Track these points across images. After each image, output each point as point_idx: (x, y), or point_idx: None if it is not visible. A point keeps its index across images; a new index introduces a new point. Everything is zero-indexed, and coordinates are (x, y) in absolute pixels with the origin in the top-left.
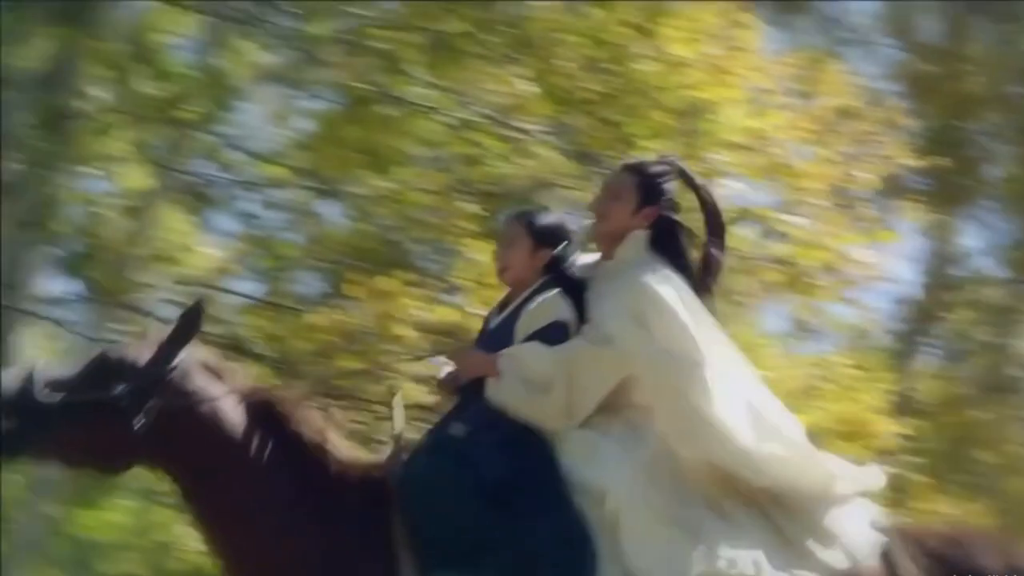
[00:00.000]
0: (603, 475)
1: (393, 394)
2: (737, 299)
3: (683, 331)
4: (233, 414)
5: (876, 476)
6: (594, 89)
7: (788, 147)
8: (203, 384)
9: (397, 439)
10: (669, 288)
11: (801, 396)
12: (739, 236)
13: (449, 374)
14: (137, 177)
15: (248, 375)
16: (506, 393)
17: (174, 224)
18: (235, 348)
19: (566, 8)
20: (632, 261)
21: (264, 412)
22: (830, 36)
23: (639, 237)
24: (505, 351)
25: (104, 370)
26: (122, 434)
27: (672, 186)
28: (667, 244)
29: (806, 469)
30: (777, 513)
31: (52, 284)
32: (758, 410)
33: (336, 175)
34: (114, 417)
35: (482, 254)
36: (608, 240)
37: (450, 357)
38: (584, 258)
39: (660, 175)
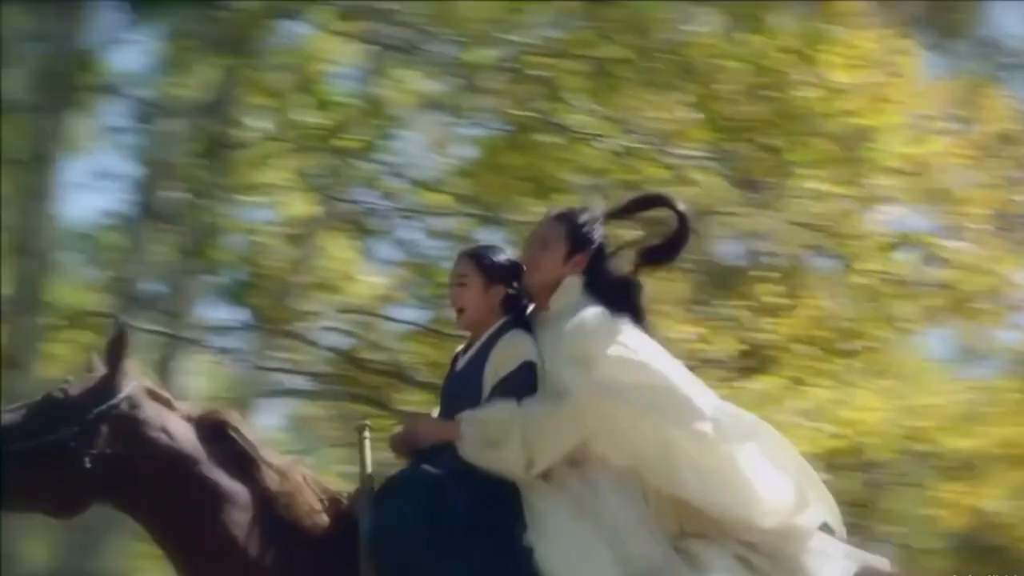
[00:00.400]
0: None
1: (361, 431)
2: (900, 325)
3: (639, 362)
4: (186, 441)
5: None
6: (755, 115)
7: (948, 172)
8: (152, 414)
9: (365, 477)
10: (608, 324)
11: (965, 421)
12: (900, 262)
13: (401, 436)
14: (299, 205)
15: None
16: (471, 453)
17: (336, 252)
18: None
19: (726, 35)
20: (568, 308)
21: (219, 434)
22: (990, 61)
23: (573, 284)
24: (465, 415)
25: (51, 412)
26: (74, 476)
27: (601, 231)
28: (602, 288)
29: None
30: (747, 552)
31: (215, 312)
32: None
33: (497, 202)
34: (63, 460)
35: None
36: (542, 290)
37: (407, 427)
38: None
39: (588, 221)
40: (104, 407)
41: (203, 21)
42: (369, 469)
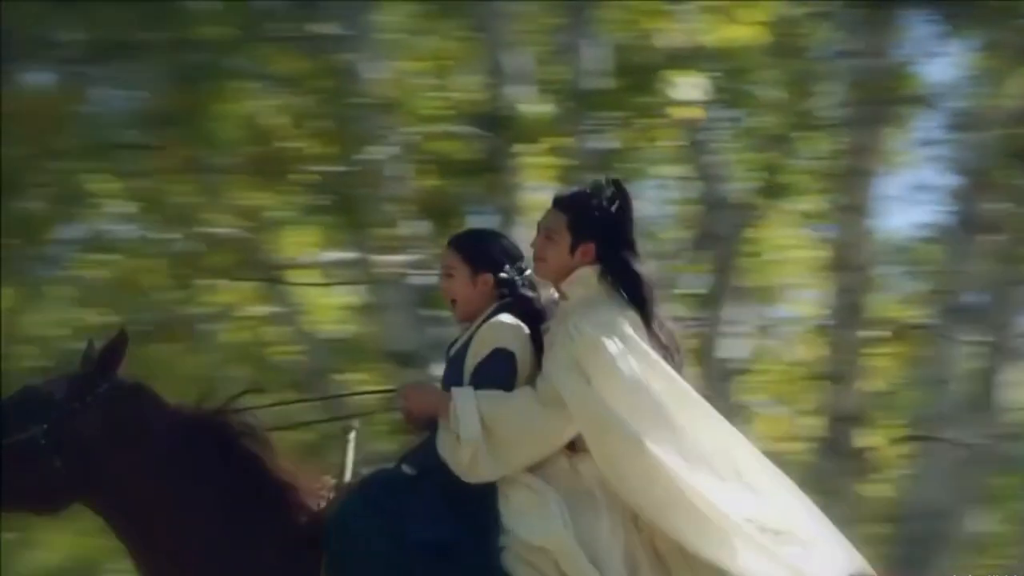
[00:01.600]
0: (547, 533)
1: (347, 431)
2: None
3: (628, 390)
4: (164, 440)
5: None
6: None
7: None
8: (131, 413)
9: (344, 477)
10: (616, 331)
11: None
12: None
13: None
14: None
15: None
16: (442, 441)
17: None
18: None
19: None
20: (584, 301)
21: (207, 436)
22: None
23: (585, 275)
24: (458, 391)
25: (27, 407)
26: (47, 475)
27: (610, 214)
28: (619, 276)
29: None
30: None
31: None
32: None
33: None
34: (35, 458)
35: None
36: (556, 281)
37: (402, 392)
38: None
39: (592, 207)
40: (76, 404)
41: (1015, 31)
42: (349, 472)
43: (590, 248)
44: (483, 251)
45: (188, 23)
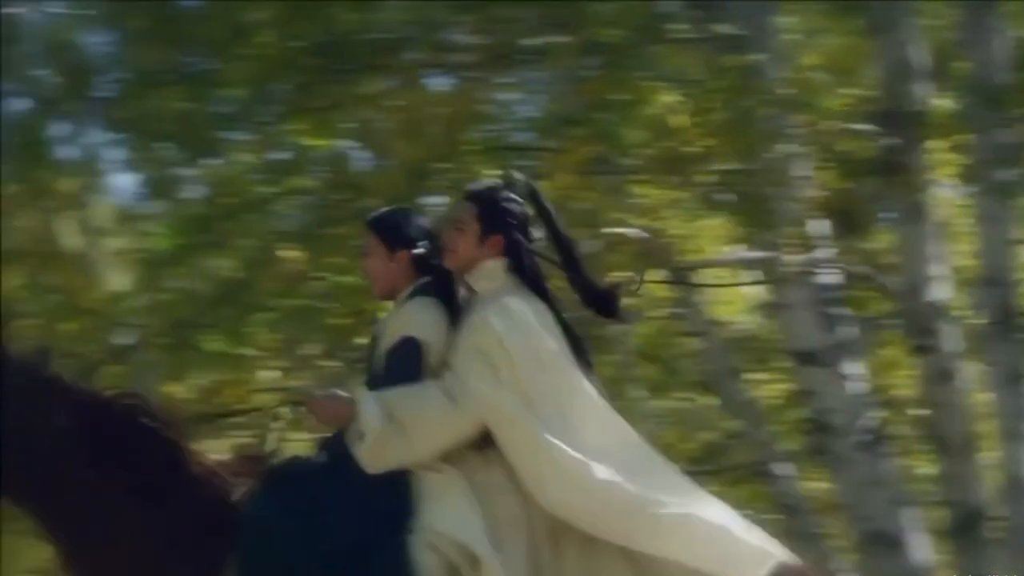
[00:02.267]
0: (461, 527)
1: (275, 417)
2: None
3: (533, 378)
4: (67, 425)
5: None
6: None
7: None
8: (38, 401)
9: (263, 460)
10: (519, 330)
11: None
12: None
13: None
14: None
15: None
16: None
17: None
18: None
19: None
20: (491, 293)
21: (120, 418)
22: None
23: (492, 267)
24: (363, 397)
25: None
26: None
27: (520, 207)
28: (527, 270)
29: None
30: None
31: None
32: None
33: None
34: None
35: None
36: (464, 271)
37: (308, 404)
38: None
39: (502, 199)
40: None
41: None
42: (271, 458)
43: (499, 240)
44: (398, 229)
45: (589, 26)
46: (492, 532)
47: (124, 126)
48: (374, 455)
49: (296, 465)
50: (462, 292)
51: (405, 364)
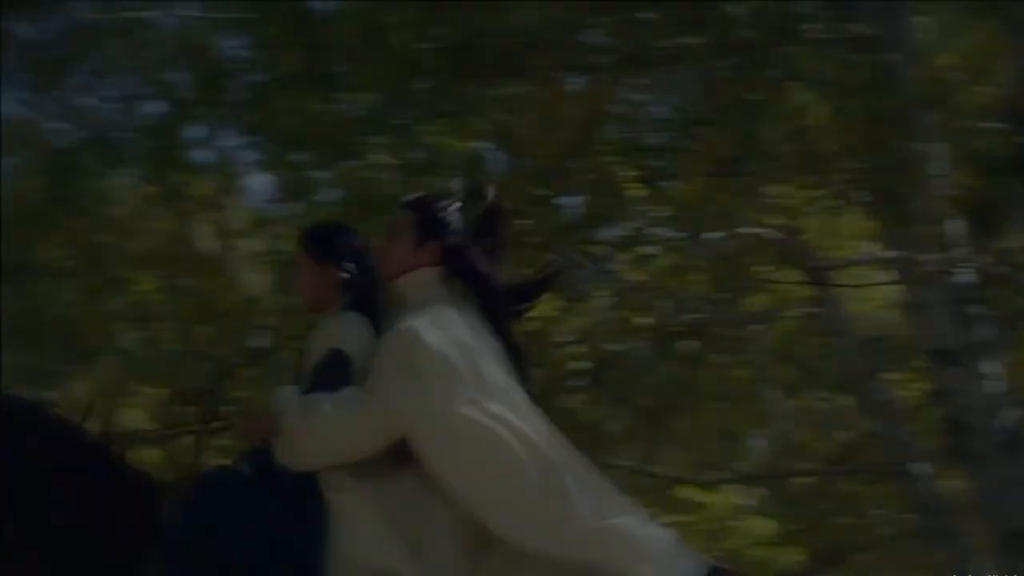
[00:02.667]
0: (376, 549)
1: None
2: None
3: (455, 382)
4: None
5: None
6: None
7: None
8: None
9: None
10: (444, 337)
11: None
12: None
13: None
14: None
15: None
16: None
17: None
18: None
19: None
20: (420, 301)
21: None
22: None
23: (424, 275)
24: (280, 392)
25: None
26: None
27: (457, 215)
28: (464, 278)
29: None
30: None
31: None
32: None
33: None
34: None
35: None
36: (396, 278)
37: (233, 424)
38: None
39: (440, 207)
40: None
41: None
42: (198, 462)
43: (435, 247)
44: (327, 244)
45: (723, 27)
46: (414, 540)
47: (259, 129)
48: (291, 449)
49: (222, 477)
50: (388, 306)
51: (331, 375)
